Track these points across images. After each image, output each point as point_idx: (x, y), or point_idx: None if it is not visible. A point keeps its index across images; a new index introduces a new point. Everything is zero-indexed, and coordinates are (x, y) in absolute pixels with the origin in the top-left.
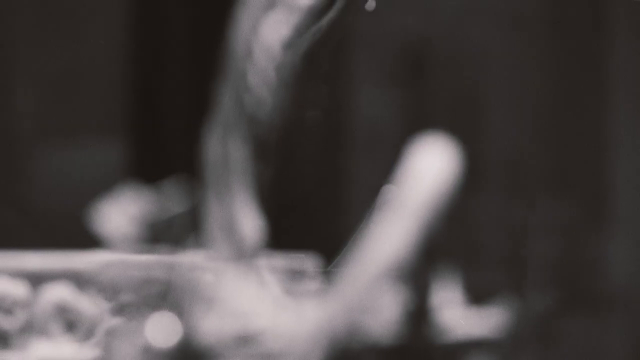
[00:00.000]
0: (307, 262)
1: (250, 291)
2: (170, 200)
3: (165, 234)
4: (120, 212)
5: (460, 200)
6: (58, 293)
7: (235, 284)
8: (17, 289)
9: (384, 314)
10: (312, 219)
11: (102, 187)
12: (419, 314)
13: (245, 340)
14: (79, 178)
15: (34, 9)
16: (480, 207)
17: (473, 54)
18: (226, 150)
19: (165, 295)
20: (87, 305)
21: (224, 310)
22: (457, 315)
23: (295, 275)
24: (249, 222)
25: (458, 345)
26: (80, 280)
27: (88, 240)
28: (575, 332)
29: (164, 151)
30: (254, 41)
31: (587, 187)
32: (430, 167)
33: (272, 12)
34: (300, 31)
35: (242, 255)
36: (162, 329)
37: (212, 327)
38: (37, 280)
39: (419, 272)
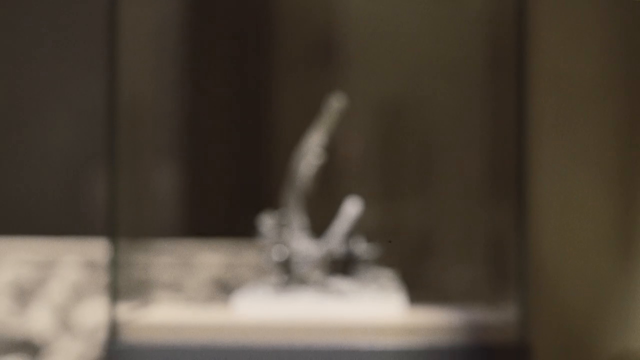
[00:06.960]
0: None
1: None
2: (281, 215)
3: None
4: (268, 220)
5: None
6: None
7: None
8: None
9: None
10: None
11: (158, 207)
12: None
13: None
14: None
15: (82, 39)
16: (437, 212)
17: (431, 105)
18: (293, 197)
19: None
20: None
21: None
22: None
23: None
24: (301, 218)
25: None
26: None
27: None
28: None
29: (213, 175)
30: (302, 160)
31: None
32: (349, 208)
33: (308, 155)
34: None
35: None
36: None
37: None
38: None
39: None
